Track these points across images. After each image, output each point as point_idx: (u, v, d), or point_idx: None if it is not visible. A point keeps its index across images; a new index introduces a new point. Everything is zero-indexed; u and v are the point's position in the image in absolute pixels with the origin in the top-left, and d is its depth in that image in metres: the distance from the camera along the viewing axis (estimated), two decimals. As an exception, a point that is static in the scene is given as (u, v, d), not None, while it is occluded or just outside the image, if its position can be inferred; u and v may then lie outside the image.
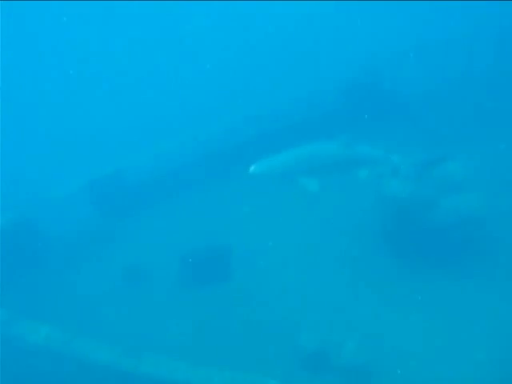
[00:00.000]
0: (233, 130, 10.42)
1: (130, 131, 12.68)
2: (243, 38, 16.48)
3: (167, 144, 10.59)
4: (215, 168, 9.97)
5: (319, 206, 8.23)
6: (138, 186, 10.11)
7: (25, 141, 14.06)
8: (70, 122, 14.66)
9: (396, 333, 6.02)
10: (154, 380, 5.20)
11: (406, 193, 6.98)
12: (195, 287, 7.56)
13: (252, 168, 5.45)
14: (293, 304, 6.79)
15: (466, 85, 10.89)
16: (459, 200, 6.92)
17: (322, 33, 15.38)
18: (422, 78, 11.08)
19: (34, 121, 15.20)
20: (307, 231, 8.24)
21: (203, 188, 9.95)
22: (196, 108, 12.77)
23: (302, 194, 5.76)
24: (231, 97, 12.30)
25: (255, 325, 6.51)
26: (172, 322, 6.85)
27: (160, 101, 14.52)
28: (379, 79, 11.15)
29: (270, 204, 8.94)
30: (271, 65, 14.67)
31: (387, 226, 7.58)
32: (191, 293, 7.48)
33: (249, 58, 15.75)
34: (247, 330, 6.48)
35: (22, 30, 18.11)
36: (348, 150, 5.62)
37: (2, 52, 16.58)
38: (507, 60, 11.12)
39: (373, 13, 14.92)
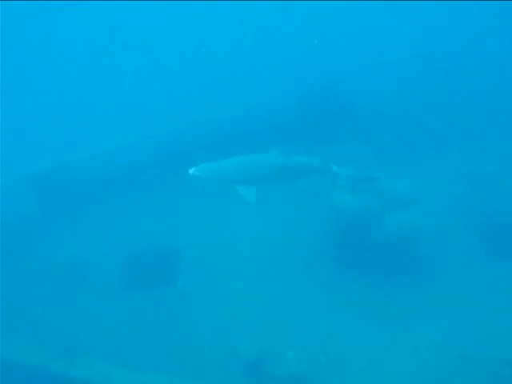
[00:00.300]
0: (186, 133, 10.34)
1: (82, 125, 12.31)
2: (208, 41, 16.48)
3: (119, 141, 10.33)
4: (166, 169, 9.81)
5: (267, 213, 8.29)
6: (86, 182, 9.77)
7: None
8: (23, 110, 14.22)
9: (335, 343, 6.13)
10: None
11: (353, 205, 7.18)
12: (138, 289, 7.42)
13: (191, 171, 5.57)
14: (235, 311, 6.78)
15: (419, 104, 11.29)
16: (403, 216, 7.18)
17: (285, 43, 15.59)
18: (377, 96, 11.39)
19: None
20: (255, 238, 8.25)
21: (154, 187, 9.79)
22: (152, 108, 12.58)
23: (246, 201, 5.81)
24: (188, 100, 12.21)
25: (196, 330, 6.47)
26: (110, 324, 6.69)
27: (114, 98, 14.21)
28: (336, 94, 11.38)
29: (218, 208, 8.86)
30: (234, 70, 14.69)
31: (333, 237, 7.74)
32: (133, 295, 7.33)
33: (211, 63, 15.73)
34: (187, 335, 6.42)
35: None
36: (286, 160, 5.79)
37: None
38: (457, 80, 11.64)
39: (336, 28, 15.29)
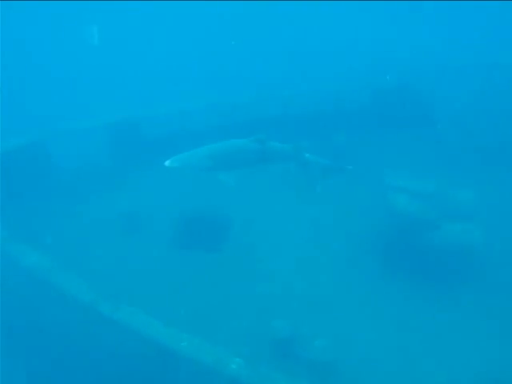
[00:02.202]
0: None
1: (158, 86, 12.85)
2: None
3: (191, 104, 10.64)
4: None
5: (323, 202, 8.32)
6: (155, 139, 10.21)
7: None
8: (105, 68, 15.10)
9: (368, 339, 6.13)
10: (126, 329, 5.36)
11: (410, 209, 7.06)
12: (186, 250, 7.73)
13: (167, 162, 5.61)
14: (274, 289, 6.93)
15: (498, 113, 10.72)
16: (460, 228, 6.96)
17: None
18: (455, 100, 10.96)
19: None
20: (306, 223, 8.33)
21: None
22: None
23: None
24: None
25: (233, 299, 6.68)
26: (155, 277, 7.05)
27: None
28: (412, 94, 11.10)
29: (278, 187, 8.98)
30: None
31: (384, 236, 7.66)
32: (181, 254, 7.65)
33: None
34: (225, 302, 6.65)
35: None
36: (260, 146, 5.84)
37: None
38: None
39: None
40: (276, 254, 7.67)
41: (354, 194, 8.79)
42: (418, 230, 7.01)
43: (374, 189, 8.28)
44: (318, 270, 7.38)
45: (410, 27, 17.47)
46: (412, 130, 10.35)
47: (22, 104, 13.29)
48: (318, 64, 15.46)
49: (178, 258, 7.55)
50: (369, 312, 6.60)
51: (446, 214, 7.07)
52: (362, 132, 10.36)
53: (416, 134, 10.34)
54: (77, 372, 6.37)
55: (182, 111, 10.41)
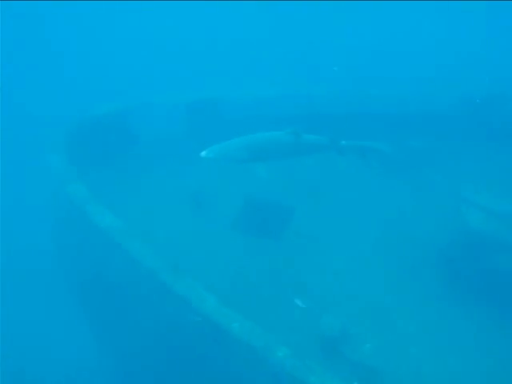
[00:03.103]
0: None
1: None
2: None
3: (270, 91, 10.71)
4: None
5: (392, 203, 8.23)
6: (231, 121, 10.39)
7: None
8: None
9: (419, 353, 5.99)
10: (183, 300, 5.60)
11: (486, 227, 6.72)
12: (249, 232, 7.90)
13: (203, 153, 5.68)
14: (328, 285, 6.92)
15: None
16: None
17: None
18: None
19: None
20: (369, 223, 8.19)
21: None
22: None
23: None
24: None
25: (286, 290, 6.75)
26: (216, 255, 7.27)
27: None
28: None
29: (346, 182, 8.98)
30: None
31: (453, 250, 7.35)
32: (244, 236, 7.83)
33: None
34: (280, 290, 6.74)
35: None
36: (295, 138, 5.93)
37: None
38: None
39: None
40: (335, 249, 7.63)
41: (424, 201, 8.51)
42: (491, 251, 6.67)
43: (448, 200, 7.96)
44: (376, 272, 7.25)
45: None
46: (498, 143, 9.77)
47: (113, 74, 14.06)
48: (406, 64, 15.00)
49: (238, 241, 7.72)
50: (424, 325, 6.42)
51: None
52: (442, 139, 9.93)
53: (503, 148, 9.75)
54: (131, 333, 6.78)
55: (261, 97, 10.50)
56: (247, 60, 15.88)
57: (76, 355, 10.49)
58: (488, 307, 6.55)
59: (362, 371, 5.60)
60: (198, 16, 19.23)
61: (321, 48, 17.33)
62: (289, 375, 4.74)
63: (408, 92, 10.76)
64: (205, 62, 15.58)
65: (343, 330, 5.97)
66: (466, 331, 6.36)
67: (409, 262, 7.48)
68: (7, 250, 12.25)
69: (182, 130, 10.35)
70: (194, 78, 13.19)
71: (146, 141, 10.06)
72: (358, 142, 6.34)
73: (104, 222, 6.72)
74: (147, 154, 9.67)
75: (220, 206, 8.46)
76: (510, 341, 6.25)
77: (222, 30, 18.18)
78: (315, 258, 7.44)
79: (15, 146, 14.01)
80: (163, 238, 7.14)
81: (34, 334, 10.68)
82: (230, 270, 7.04)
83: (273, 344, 4.99)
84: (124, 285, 6.69)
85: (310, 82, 12.12)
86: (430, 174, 9.23)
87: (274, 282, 6.91)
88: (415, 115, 10.30)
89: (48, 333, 10.64)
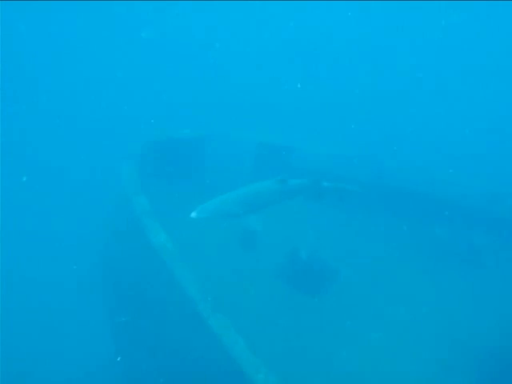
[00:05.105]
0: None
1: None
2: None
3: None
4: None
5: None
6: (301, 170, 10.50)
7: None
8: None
9: None
10: (214, 336, 5.58)
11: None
12: (291, 282, 7.79)
13: (193, 214, 5.48)
14: (365, 357, 6.58)
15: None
16: None
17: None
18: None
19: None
20: (422, 284, 8.00)
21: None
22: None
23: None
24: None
25: (321, 353, 6.52)
26: (257, 301, 7.19)
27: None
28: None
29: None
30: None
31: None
32: (286, 284, 7.73)
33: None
34: (311, 352, 6.52)
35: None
36: (282, 185, 6.02)
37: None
38: None
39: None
40: (374, 321, 7.29)
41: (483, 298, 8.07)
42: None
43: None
44: (421, 348, 6.81)
45: None
46: None
47: (202, 102, 14.70)
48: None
49: (278, 289, 7.63)
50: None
51: None
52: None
53: None
54: (156, 352, 6.82)
55: (330, 154, 10.59)
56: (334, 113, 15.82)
57: (96, 361, 10.59)
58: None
59: None
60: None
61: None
62: None
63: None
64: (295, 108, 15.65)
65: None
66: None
67: (448, 355, 7.03)
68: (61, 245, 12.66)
69: (248, 166, 10.58)
70: (276, 121, 13.42)
71: (213, 169, 10.35)
72: (337, 184, 6.54)
73: (157, 239, 6.93)
74: (211, 181, 9.93)
75: (269, 249, 8.43)
76: None
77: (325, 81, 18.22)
78: (351, 326, 7.15)
79: (95, 151, 14.85)
80: (209, 269, 7.20)
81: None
82: (264, 317, 6.93)
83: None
84: (160, 304, 6.79)
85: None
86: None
87: (305, 341, 6.72)
88: None
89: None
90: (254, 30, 20.01)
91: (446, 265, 8.68)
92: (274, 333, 6.65)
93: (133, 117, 14.70)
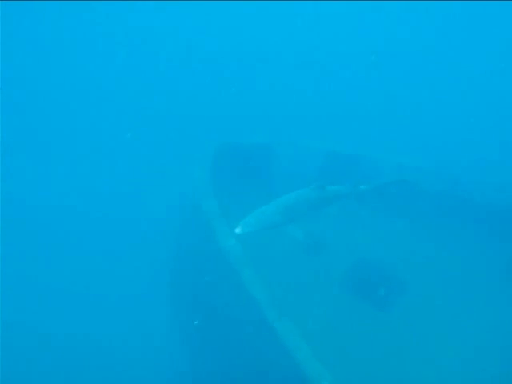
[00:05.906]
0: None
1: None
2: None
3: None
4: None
5: None
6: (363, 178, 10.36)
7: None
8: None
9: None
10: (278, 341, 5.65)
11: None
12: (357, 292, 7.73)
13: (237, 229, 5.37)
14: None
15: None
16: None
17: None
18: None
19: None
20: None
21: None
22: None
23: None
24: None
25: (384, 368, 6.41)
26: (321, 307, 7.21)
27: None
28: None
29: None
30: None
31: None
32: (351, 293, 7.68)
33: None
34: (373, 363, 6.42)
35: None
36: (321, 192, 6.00)
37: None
38: None
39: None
40: (451, 332, 7.04)
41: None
42: None
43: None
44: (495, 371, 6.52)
45: None
46: None
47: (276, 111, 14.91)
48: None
49: (343, 298, 7.57)
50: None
51: None
52: None
53: None
54: (219, 353, 7.00)
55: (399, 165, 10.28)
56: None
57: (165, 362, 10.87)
58: None
59: None
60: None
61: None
62: None
63: None
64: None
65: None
66: None
67: None
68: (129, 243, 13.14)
69: (316, 176, 10.56)
70: (345, 130, 13.34)
71: (282, 176, 10.44)
72: (374, 183, 6.48)
73: (226, 242, 7.11)
74: (280, 188, 10.03)
75: (336, 256, 8.38)
76: None
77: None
78: (420, 342, 6.93)
79: (166, 154, 15.33)
80: (275, 273, 7.29)
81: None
82: (329, 325, 6.92)
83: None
84: (227, 307, 6.97)
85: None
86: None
87: (369, 353, 6.62)
88: None
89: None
90: (326, 39, 19.87)
91: None
92: (338, 341, 6.62)
93: (207, 120, 15.07)
